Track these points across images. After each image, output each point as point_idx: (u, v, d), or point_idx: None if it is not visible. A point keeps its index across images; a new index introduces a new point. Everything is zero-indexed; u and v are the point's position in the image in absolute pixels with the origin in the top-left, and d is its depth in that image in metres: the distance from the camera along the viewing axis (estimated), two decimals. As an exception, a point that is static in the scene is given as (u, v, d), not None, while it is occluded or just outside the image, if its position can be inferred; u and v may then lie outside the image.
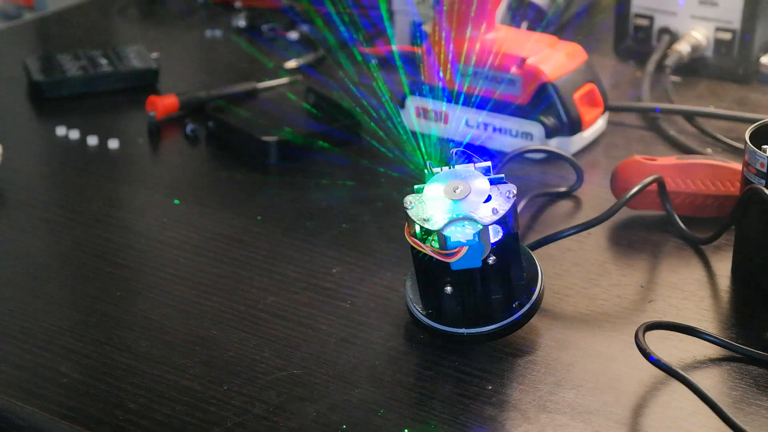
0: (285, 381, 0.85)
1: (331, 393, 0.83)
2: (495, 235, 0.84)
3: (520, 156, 1.12)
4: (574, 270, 0.98)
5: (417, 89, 1.19)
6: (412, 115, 1.20)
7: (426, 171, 0.86)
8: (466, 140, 1.10)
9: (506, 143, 1.17)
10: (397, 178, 0.92)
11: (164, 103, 1.26)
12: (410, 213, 0.83)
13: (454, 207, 0.83)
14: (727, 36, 1.33)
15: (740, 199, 0.94)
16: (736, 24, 1.32)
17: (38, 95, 1.33)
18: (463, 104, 1.15)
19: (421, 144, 0.88)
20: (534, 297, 0.87)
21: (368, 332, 0.90)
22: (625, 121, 1.26)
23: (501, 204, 0.83)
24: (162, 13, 1.61)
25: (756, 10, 1.31)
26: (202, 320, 0.92)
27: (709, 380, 0.85)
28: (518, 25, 1.36)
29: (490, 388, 0.84)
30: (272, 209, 1.09)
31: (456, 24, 1.14)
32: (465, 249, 0.82)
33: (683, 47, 1.33)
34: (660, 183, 1.02)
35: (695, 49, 1.34)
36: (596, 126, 1.20)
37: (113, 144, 1.22)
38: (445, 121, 1.18)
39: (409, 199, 0.84)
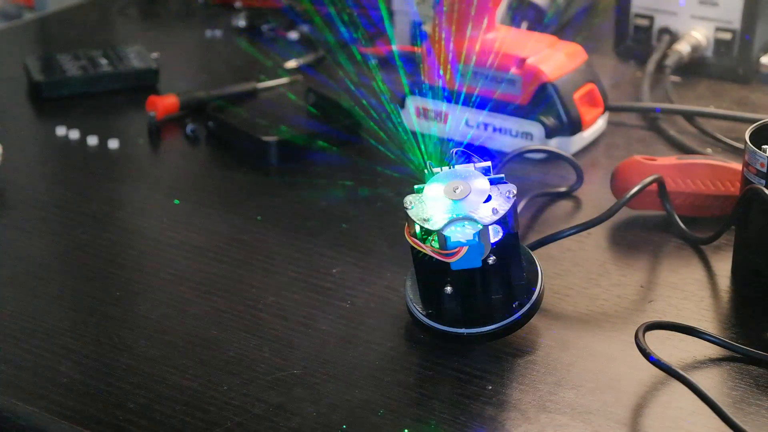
0: (285, 381, 0.85)
1: (331, 393, 0.83)
2: (495, 235, 0.84)
3: (520, 156, 1.12)
4: (574, 270, 0.98)
5: (417, 89, 1.19)
6: (412, 115, 1.20)
7: (426, 171, 0.86)
8: (466, 140, 1.10)
9: (506, 143, 1.17)
10: (397, 178, 0.92)
11: (164, 103, 1.26)
12: (410, 213, 0.83)
13: (454, 207, 0.83)
14: (727, 36, 1.33)
15: (740, 199, 0.94)
16: (736, 24, 1.32)
17: (38, 95, 1.33)
18: (463, 104, 1.15)
19: (421, 144, 0.88)
20: (534, 297, 0.87)
21: (368, 332, 0.90)
22: (625, 121, 1.26)
23: (501, 204, 0.83)
24: (162, 13, 1.61)
25: (756, 10, 1.31)
26: (202, 320, 0.92)
27: (709, 380, 0.85)
28: (518, 25, 1.36)
29: (490, 388, 0.84)
30: (272, 209, 1.09)
31: (456, 24, 1.14)
32: (465, 249, 0.82)
33: (683, 47, 1.33)
34: (660, 183, 1.02)
35: (695, 49, 1.34)
36: (596, 126, 1.20)
37: (113, 144, 1.22)
38: (445, 121, 1.18)
39: (409, 199, 0.84)
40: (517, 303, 0.87)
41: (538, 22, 1.36)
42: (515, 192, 0.83)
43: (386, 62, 1.33)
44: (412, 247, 0.84)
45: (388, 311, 0.93)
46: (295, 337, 0.90)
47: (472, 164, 0.85)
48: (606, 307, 0.93)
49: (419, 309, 0.88)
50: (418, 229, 0.84)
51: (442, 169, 0.85)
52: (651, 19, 1.37)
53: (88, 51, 1.39)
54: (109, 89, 1.35)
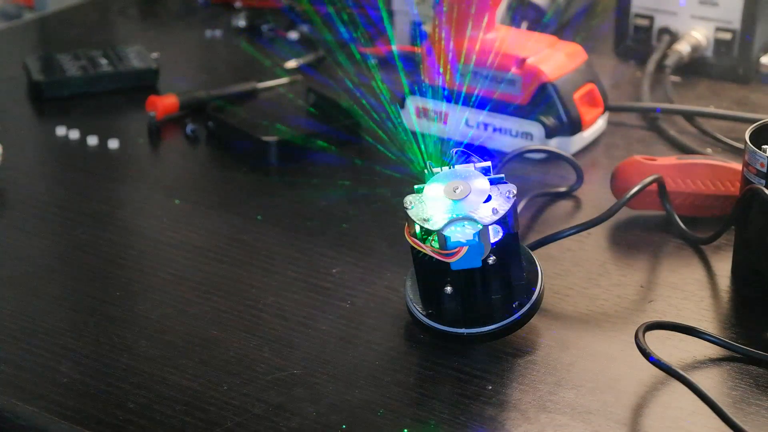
0: (285, 381, 0.85)
1: (331, 393, 0.83)
2: (495, 235, 0.84)
3: (520, 156, 1.12)
4: (574, 270, 0.98)
5: (417, 89, 1.19)
6: (412, 115, 1.20)
7: (426, 171, 0.86)
8: (466, 140, 1.10)
9: (506, 143, 1.17)
10: (397, 178, 0.92)
11: (164, 103, 1.26)
12: (410, 213, 0.83)
13: (454, 207, 0.83)
14: (727, 36, 1.33)
15: (740, 199, 0.94)
16: (736, 24, 1.32)
17: (38, 95, 1.33)
18: (463, 104, 1.15)
19: (421, 144, 0.88)
20: (534, 297, 0.87)
21: (368, 332, 0.90)
22: (625, 121, 1.26)
23: (501, 204, 0.83)
24: (162, 13, 1.61)
25: (756, 10, 1.31)
26: (202, 320, 0.92)
27: (709, 380, 0.85)
28: (518, 25, 1.36)
29: (490, 388, 0.84)
30: (272, 209, 1.09)
31: (456, 24, 1.14)
32: (465, 249, 0.82)
33: (683, 47, 1.33)
34: (660, 183, 1.02)
35: (695, 49, 1.34)
36: (596, 126, 1.20)
37: (113, 144, 1.22)
38: (445, 121, 1.18)
39: (409, 199, 0.84)
40: (517, 303, 0.87)
41: (538, 22, 1.36)
42: (515, 192, 0.83)
43: (386, 62, 1.33)
44: (412, 247, 0.84)
45: (388, 311, 0.93)
46: (295, 337, 0.90)
47: (472, 164, 0.85)
48: (606, 307, 0.93)
49: (419, 309, 0.88)
50: (418, 229, 0.84)
51: (442, 169, 0.85)
52: (651, 19, 1.37)
53: (88, 51, 1.39)
54: (109, 89, 1.35)
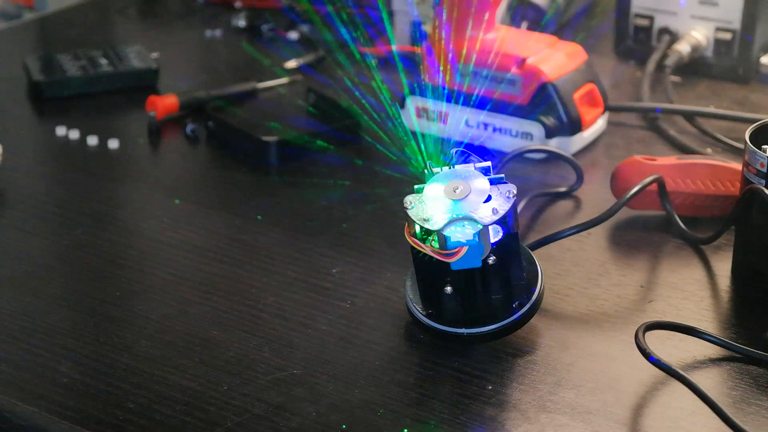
0: (285, 381, 0.85)
1: (331, 393, 0.83)
2: (495, 235, 0.84)
3: (520, 156, 1.11)
4: (574, 270, 0.98)
5: (417, 89, 1.19)
6: (412, 115, 1.20)
7: (426, 171, 0.86)
8: (466, 140, 1.10)
9: (506, 143, 1.17)
10: (397, 178, 0.92)
11: (164, 103, 1.26)
12: (410, 213, 0.83)
13: (454, 207, 0.83)
14: (727, 36, 1.33)
15: (740, 199, 0.94)
16: (736, 24, 1.32)
17: (38, 95, 1.33)
18: (463, 104, 1.15)
19: (421, 144, 0.88)
20: (534, 297, 0.87)
21: (368, 332, 0.90)
22: (625, 121, 1.26)
23: (501, 204, 0.83)
24: (162, 13, 1.61)
25: (756, 10, 1.31)
26: (202, 320, 0.92)
27: (709, 380, 0.85)
28: (518, 25, 1.36)
29: (490, 388, 0.84)
30: (272, 209, 1.09)
31: (456, 24, 1.14)
32: (465, 249, 0.82)
33: (683, 47, 1.33)
34: (660, 183, 1.02)
35: (695, 49, 1.34)
36: (596, 126, 1.20)
37: (113, 144, 1.22)
38: (445, 121, 1.18)
39: (409, 199, 0.84)
40: (517, 303, 0.87)
41: (538, 22, 1.36)
42: (515, 192, 0.83)
43: (386, 62, 1.33)
44: (412, 247, 0.84)
45: (388, 311, 0.93)
46: (295, 337, 0.90)
47: (472, 164, 0.85)
48: (606, 307, 0.93)
49: (419, 309, 0.88)
50: (418, 229, 0.84)
51: (442, 169, 0.85)
52: (651, 19, 1.37)
53: (88, 51, 1.39)
54: (109, 89, 1.34)
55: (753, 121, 0.97)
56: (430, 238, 0.84)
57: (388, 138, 1.01)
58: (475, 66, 1.15)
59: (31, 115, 1.33)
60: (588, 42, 1.24)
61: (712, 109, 1.26)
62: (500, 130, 1.17)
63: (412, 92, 1.19)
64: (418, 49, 1.23)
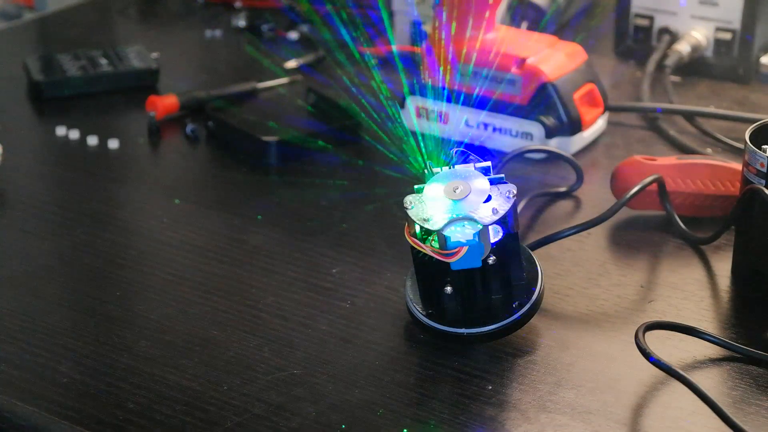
0: (285, 381, 0.85)
1: (331, 393, 0.83)
2: (495, 235, 0.84)
3: (520, 156, 1.11)
4: (574, 270, 0.98)
5: (417, 89, 1.19)
6: (412, 115, 1.20)
7: (426, 171, 0.86)
8: (466, 140, 1.10)
9: (506, 143, 1.17)
10: (397, 178, 0.92)
11: (164, 103, 1.26)
12: (410, 213, 0.83)
13: (454, 207, 0.83)
14: (727, 36, 1.33)
15: (740, 199, 0.94)
16: (736, 24, 1.32)
17: (38, 95, 1.33)
18: (463, 104, 1.15)
19: (421, 144, 0.88)
20: (534, 297, 0.87)
21: (368, 332, 0.90)
22: (625, 121, 1.26)
23: (501, 204, 0.83)
24: (162, 13, 1.61)
25: (756, 10, 1.31)
26: (202, 320, 0.92)
27: (709, 380, 0.85)
28: (518, 25, 1.36)
29: (490, 388, 0.84)
30: (272, 209, 1.09)
31: (456, 24, 1.14)
32: (465, 249, 0.82)
33: (683, 47, 1.33)
34: (660, 183, 1.02)
35: (695, 49, 1.34)
36: (596, 126, 1.20)
37: (113, 144, 1.22)
38: (445, 121, 1.18)
39: (409, 199, 0.84)
40: (517, 303, 0.87)
41: (538, 22, 1.36)
42: (515, 192, 0.83)
43: (386, 62, 1.33)
44: (412, 247, 0.84)
45: (388, 311, 0.93)
46: (295, 337, 0.90)
47: (472, 164, 0.85)
48: (606, 307, 0.93)
49: (419, 309, 0.88)
50: (418, 229, 0.84)
51: (442, 169, 0.85)
52: (651, 19, 1.37)
53: (88, 51, 1.39)
54: (109, 89, 1.34)
55: (753, 121, 0.97)
56: (430, 238, 0.84)
57: (388, 138, 1.01)
58: (475, 66, 1.15)
59: (31, 115, 1.33)
60: (588, 42, 1.24)
61: (712, 109, 1.26)
62: (500, 130, 1.17)
63: (412, 92, 1.19)
64: (418, 49, 1.23)
